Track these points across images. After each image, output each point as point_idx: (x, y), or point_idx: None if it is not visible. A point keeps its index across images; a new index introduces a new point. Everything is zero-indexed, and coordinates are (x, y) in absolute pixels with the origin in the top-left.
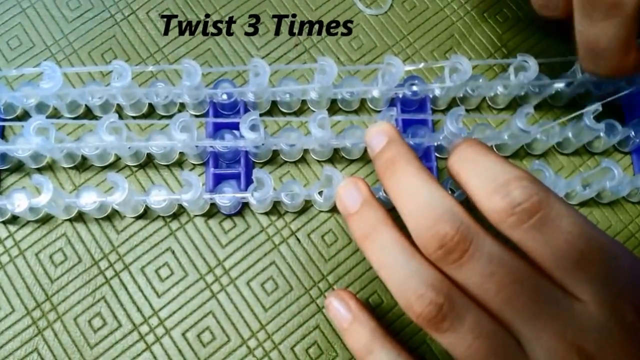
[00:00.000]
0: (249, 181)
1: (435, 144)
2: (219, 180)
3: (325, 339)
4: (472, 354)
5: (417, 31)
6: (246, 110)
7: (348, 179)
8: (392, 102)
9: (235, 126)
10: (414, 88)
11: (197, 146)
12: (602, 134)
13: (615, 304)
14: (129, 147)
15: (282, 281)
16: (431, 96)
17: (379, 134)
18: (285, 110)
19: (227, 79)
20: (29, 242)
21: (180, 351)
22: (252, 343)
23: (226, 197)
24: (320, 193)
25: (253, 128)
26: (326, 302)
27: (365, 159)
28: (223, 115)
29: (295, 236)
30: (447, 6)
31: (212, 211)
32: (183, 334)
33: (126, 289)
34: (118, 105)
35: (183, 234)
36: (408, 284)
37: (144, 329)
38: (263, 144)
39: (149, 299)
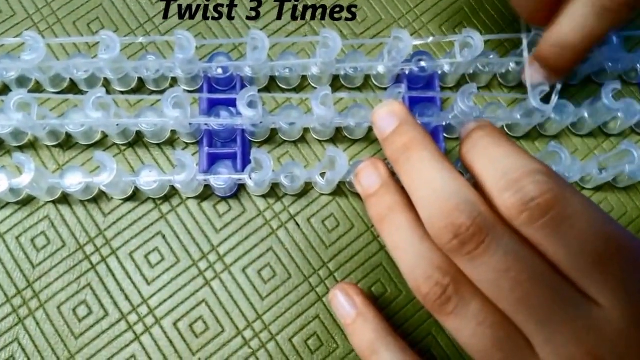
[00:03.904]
0: (245, 162)
1: (444, 123)
2: (213, 160)
3: (326, 329)
4: (476, 342)
5: (424, 4)
6: (243, 86)
7: (368, 160)
8: (398, 79)
9: (232, 103)
10: (422, 64)
11: (190, 124)
12: (619, 114)
13: (637, 308)
14: (117, 125)
15: (280, 268)
16: (440, 73)
17: (389, 115)
18: (284, 87)
19: (222, 52)
20: (9, 224)
21: (171, 342)
22: (248, 334)
23: (222, 179)
24: (322, 175)
25: (251, 105)
26: (330, 295)
27: (369, 139)
28: (218, 91)
29: (295, 221)
30: None
31: (206, 193)
32: (174, 324)
33: (113, 275)
34: (105, 79)
35: (175, 217)
36: (418, 266)
37: (133, 318)
38: (261, 122)
39: (138, 287)
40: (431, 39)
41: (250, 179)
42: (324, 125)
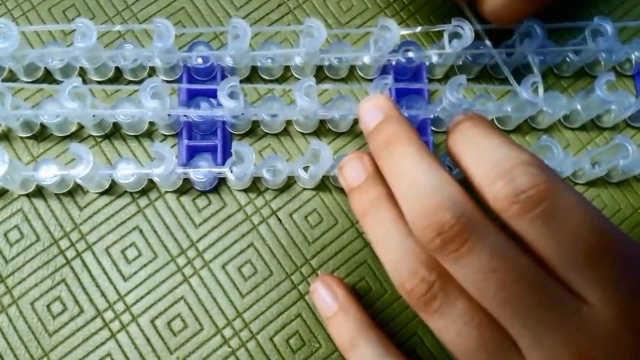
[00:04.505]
0: (226, 155)
1: (432, 116)
2: (193, 153)
3: (308, 328)
4: (461, 342)
5: None
6: (223, 77)
7: (353, 153)
8: (384, 70)
9: (212, 93)
10: (410, 54)
11: (169, 115)
12: (613, 107)
13: (628, 308)
14: (94, 116)
15: (261, 265)
16: (427, 64)
17: (374, 109)
18: (266, 77)
19: (202, 41)
20: None
21: (148, 340)
22: (228, 332)
23: (201, 172)
24: (305, 169)
25: (232, 95)
26: (311, 287)
27: (354, 132)
28: (198, 82)
29: (276, 216)
30: None
31: (185, 187)
32: (151, 321)
33: (89, 271)
34: (81, 68)
35: (152, 212)
36: (403, 261)
37: (109, 315)
38: (242, 114)
39: (114, 283)
40: (419, 28)
41: (231, 172)
42: (308, 117)
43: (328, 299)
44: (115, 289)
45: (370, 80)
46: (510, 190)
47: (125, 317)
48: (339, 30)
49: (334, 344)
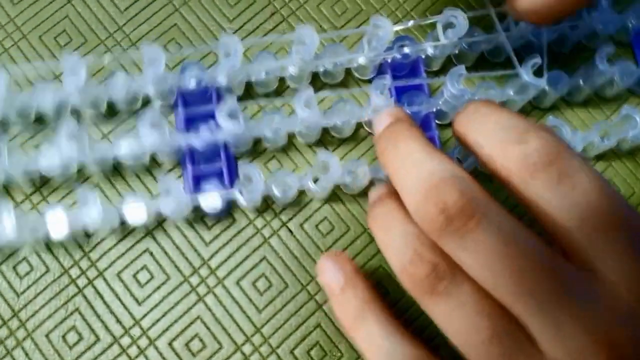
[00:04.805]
0: (232, 176)
1: (435, 109)
2: (198, 180)
3: (328, 338)
4: (472, 333)
5: None
6: (219, 96)
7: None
8: (380, 69)
9: (209, 115)
10: (405, 50)
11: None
12: (616, 78)
13: None
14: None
15: (275, 278)
16: (423, 57)
17: (386, 116)
18: (262, 90)
19: (194, 62)
20: None
21: None
22: (247, 349)
23: (212, 199)
24: (314, 181)
25: (231, 116)
26: (318, 264)
27: (358, 137)
28: (193, 104)
29: (287, 227)
30: None
31: (196, 214)
32: (169, 344)
33: (102, 298)
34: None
35: (161, 233)
36: (404, 247)
37: (126, 341)
38: (244, 133)
39: (128, 308)
40: (411, 22)
41: (243, 196)
42: (310, 127)
43: (335, 273)
44: (130, 314)
45: (369, 81)
46: (522, 152)
47: (143, 342)
48: (332, 33)
49: (355, 350)
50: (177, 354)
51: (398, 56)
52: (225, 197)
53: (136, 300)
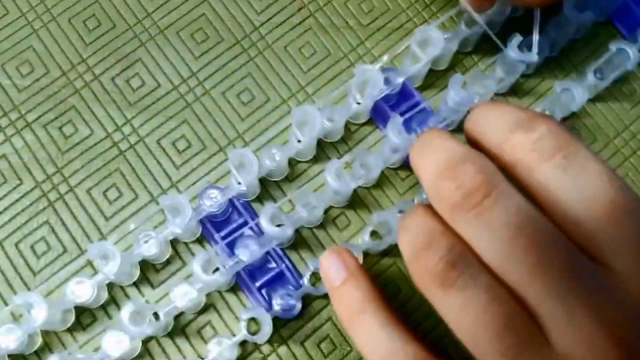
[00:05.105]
0: (295, 273)
1: (445, 122)
2: (268, 293)
3: (339, 332)
4: (487, 322)
5: None
6: (244, 205)
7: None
8: (375, 107)
9: (242, 224)
10: (392, 81)
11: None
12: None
13: None
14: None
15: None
16: (408, 77)
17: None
18: (276, 178)
19: (212, 186)
20: (8, 231)
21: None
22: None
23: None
24: (373, 235)
25: (274, 220)
26: (321, 257)
27: (382, 182)
28: (220, 224)
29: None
30: None
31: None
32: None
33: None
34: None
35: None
36: (417, 236)
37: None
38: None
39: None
40: (386, 56)
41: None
42: (344, 193)
43: (338, 266)
44: None
45: (367, 123)
46: (530, 138)
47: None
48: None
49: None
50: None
51: (386, 89)
52: (301, 295)
53: (151, 285)
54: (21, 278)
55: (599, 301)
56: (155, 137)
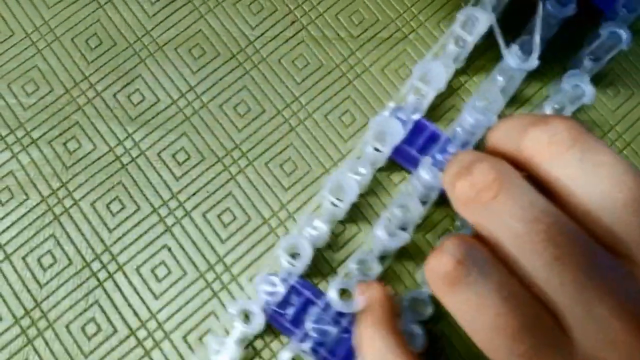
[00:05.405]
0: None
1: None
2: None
3: None
4: (501, 322)
5: (420, 3)
6: (301, 284)
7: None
8: (398, 150)
9: (307, 303)
10: (408, 121)
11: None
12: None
13: None
14: None
15: None
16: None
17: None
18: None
19: (269, 275)
20: (15, 245)
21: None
22: (258, 344)
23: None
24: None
25: (344, 292)
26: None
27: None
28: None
29: None
30: None
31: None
32: (184, 337)
33: (120, 291)
34: None
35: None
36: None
37: (142, 333)
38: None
39: (145, 302)
40: (392, 103)
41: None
42: (394, 246)
43: (361, 299)
44: (147, 307)
45: (394, 165)
46: (545, 132)
47: (158, 335)
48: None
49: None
50: (190, 347)
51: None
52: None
53: (153, 294)
54: (28, 290)
55: (620, 294)
56: (156, 150)
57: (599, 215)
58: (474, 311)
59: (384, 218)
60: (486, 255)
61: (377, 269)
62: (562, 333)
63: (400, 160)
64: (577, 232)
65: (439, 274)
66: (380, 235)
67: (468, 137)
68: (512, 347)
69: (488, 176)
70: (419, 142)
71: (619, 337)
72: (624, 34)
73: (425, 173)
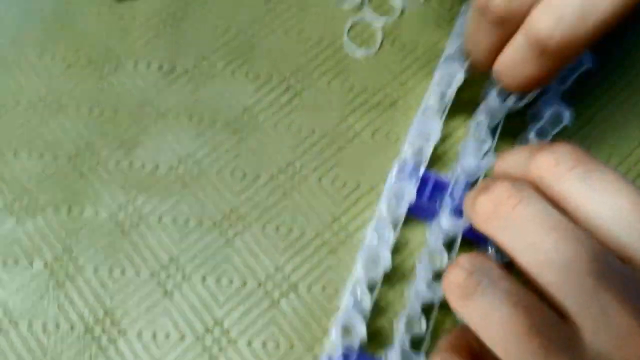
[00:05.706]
0: None
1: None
2: None
3: None
4: (512, 327)
5: (409, 71)
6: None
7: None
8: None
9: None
10: (417, 178)
11: None
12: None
13: None
14: None
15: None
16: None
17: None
18: None
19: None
20: (20, 311)
21: None
22: None
23: None
24: None
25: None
26: None
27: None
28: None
29: None
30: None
31: None
32: None
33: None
34: None
35: (177, 291)
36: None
37: None
38: None
39: None
40: (395, 170)
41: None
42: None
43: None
44: None
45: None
46: (551, 156)
47: None
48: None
49: None
50: None
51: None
52: None
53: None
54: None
55: (630, 295)
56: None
57: (607, 224)
58: (487, 317)
59: (420, 271)
60: (496, 266)
61: (423, 324)
62: (572, 334)
63: (410, 214)
64: (588, 239)
65: (454, 286)
66: (420, 290)
67: (471, 178)
68: (522, 346)
69: (506, 191)
70: (427, 192)
71: (632, 338)
72: (566, 112)
73: (445, 220)
